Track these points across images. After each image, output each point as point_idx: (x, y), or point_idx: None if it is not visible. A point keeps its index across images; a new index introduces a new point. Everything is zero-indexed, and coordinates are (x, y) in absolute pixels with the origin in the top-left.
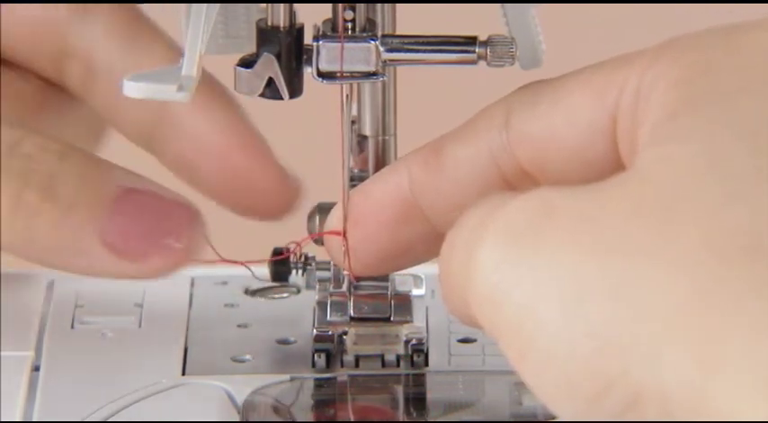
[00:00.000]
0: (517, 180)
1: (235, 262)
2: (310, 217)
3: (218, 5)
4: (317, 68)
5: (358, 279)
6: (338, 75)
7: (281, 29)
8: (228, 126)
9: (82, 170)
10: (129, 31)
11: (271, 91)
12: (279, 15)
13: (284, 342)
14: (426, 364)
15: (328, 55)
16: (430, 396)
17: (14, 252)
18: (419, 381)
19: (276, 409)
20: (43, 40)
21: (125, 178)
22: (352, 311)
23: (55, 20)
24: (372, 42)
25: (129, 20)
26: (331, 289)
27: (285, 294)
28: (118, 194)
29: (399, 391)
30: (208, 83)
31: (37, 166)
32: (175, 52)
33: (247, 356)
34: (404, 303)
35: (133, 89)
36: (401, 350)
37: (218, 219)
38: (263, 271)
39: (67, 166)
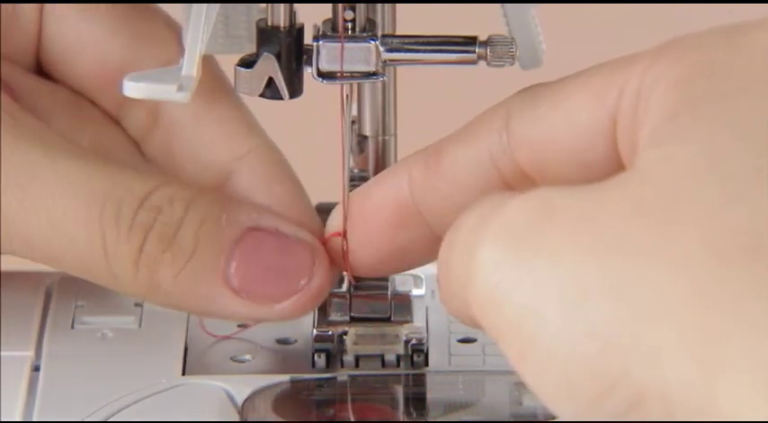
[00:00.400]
0: (517, 182)
1: None
2: None
3: (218, 5)
4: (317, 68)
5: (357, 279)
6: (338, 75)
7: (281, 29)
8: (289, 206)
9: (204, 216)
10: (207, 94)
11: (271, 91)
12: (279, 15)
13: (284, 342)
14: (426, 364)
15: (328, 55)
16: (430, 396)
17: (143, 299)
18: (419, 381)
19: (276, 409)
20: (113, 83)
21: (249, 217)
22: (352, 311)
23: (135, 67)
24: (372, 42)
25: (209, 81)
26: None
27: None
28: (240, 236)
29: (399, 391)
30: (272, 154)
31: (163, 217)
32: (240, 109)
33: (247, 356)
34: (404, 303)
35: (133, 89)
36: (401, 350)
37: None
38: None
39: (191, 214)
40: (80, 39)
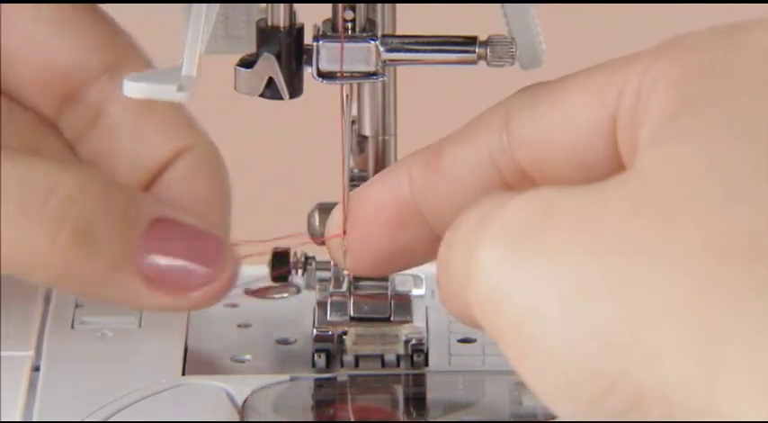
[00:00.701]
0: (517, 182)
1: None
2: (310, 217)
3: (218, 5)
4: (317, 68)
5: (357, 279)
6: (338, 75)
7: (281, 29)
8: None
9: (116, 207)
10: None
11: (271, 91)
12: (279, 15)
13: (284, 342)
14: (426, 364)
15: (328, 55)
16: (430, 396)
17: (57, 288)
18: (419, 381)
19: (276, 409)
20: (57, 84)
21: (155, 209)
22: (352, 311)
23: (82, 69)
24: (372, 42)
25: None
26: (331, 289)
27: (285, 294)
28: (148, 227)
29: (399, 391)
30: (206, 152)
31: (76, 209)
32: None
33: (247, 356)
34: (404, 303)
35: (133, 89)
36: (401, 350)
37: None
38: (263, 271)
39: (104, 206)
40: (27, 39)
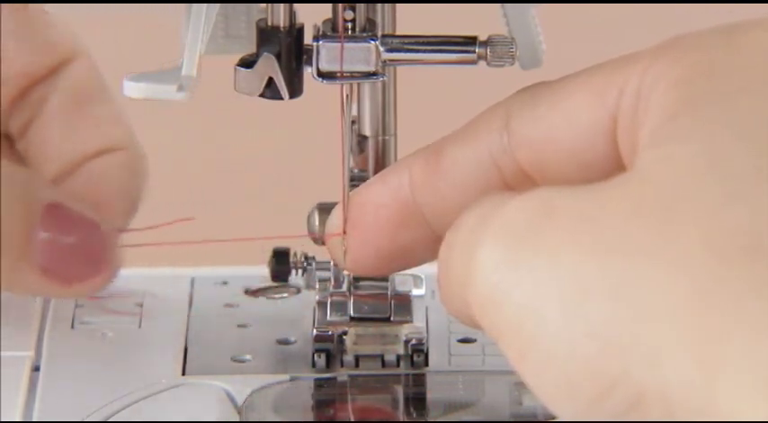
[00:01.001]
0: (517, 182)
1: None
2: (310, 217)
3: (218, 5)
4: (317, 68)
5: (357, 279)
6: (338, 75)
7: (281, 29)
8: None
9: (18, 195)
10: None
11: (271, 91)
12: (279, 15)
13: (284, 342)
14: (426, 364)
15: (328, 55)
16: (430, 396)
17: None
18: (419, 381)
19: (276, 409)
20: (10, 87)
21: (50, 194)
22: (352, 311)
23: (34, 71)
24: (372, 42)
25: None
26: (331, 289)
27: (285, 294)
28: (42, 214)
29: (399, 391)
30: (129, 150)
31: None
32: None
33: (247, 356)
34: (404, 303)
35: (133, 89)
36: (401, 350)
37: (217, 219)
38: (263, 271)
39: (7, 193)
40: None
